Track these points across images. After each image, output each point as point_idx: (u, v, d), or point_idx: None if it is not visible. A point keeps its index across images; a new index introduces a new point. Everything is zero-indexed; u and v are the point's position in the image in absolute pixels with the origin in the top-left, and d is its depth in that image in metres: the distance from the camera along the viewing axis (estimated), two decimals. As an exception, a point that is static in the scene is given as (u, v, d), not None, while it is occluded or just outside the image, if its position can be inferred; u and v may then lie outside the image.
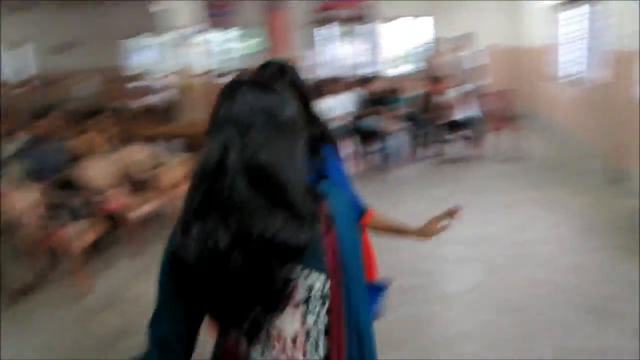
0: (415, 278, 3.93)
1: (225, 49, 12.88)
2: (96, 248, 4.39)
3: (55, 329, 3.53)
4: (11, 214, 3.91)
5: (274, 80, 1.19)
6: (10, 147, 5.20)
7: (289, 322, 1.08)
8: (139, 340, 1.14)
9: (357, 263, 1.15)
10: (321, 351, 1.11)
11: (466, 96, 7.68)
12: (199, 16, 7.40)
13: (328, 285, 1.09)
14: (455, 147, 7.62)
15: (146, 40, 12.71)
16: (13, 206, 3.94)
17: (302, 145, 1.10)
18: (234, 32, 12.71)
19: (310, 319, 1.09)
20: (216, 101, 1.08)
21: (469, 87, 8.09)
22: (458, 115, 7.40)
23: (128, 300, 3.83)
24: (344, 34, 12.30)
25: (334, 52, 12.35)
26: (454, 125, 7.46)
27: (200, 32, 8.15)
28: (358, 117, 7.44)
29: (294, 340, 1.09)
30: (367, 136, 7.45)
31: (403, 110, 7.60)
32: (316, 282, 1.07)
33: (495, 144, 7.47)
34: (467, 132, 7.44)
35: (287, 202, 1.00)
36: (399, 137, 7.43)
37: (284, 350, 1.09)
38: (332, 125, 7.13)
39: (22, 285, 3.97)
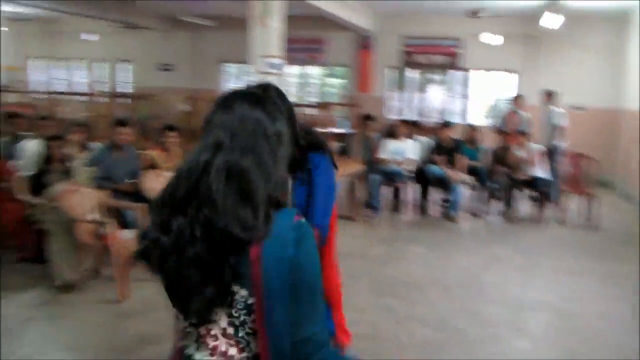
0: (443, 332, 3.76)
1: (311, 84, 13.28)
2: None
3: (86, 328, 3.71)
4: (71, 213, 4.20)
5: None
6: (88, 154, 5.64)
7: (218, 321, 1.15)
8: (159, 350, 1.25)
9: (284, 290, 1.14)
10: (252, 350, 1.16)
11: (542, 155, 7.37)
12: (287, 49, 7.70)
13: (252, 298, 1.13)
14: (523, 206, 7.28)
15: (237, 67, 13.40)
16: (74, 205, 4.24)
17: (283, 158, 1.18)
18: (321, 68, 13.09)
19: (235, 322, 1.14)
20: (212, 108, 1.20)
21: (547, 146, 7.76)
22: (531, 173, 7.10)
23: (159, 310, 3.95)
24: (428, 80, 12.30)
25: (417, 96, 12.35)
26: (525, 184, 7.15)
27: (287, 64, 8.47)
28: (426, 163, 7.35)
29: (224, 337, 1.15)
30: (433, 183, 7.33)
31: (474, 161, 7.41)
32: (241, 290, 1.13)
33: (567, 208, 7.06)
34: (538, 192, 7.10)
35: (253, 204, 1.10)
36: (465, 189, 7.24)
37: (214, 346, 1.16)
38: (399, 168, 7.11)
39: (68, 282, 4.22)
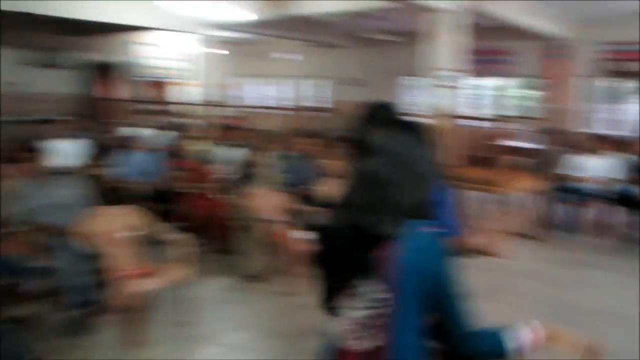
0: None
1: (497, 96, 12.80)
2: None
3: (264, 314, 4.27)
4: (258, 213, 4.81)
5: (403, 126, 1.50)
6: (278, 161, 6.34)
7: (351, 311, 1.40)
8: (320, 341, 1.58)
9: (408, 291, 1.30)
10: (374, 341, 1.35)
11: None
12: (471, 61, 7.64)
13: (380, 294, 1.32)
14: None
15: (415, 80, 13.52)
16: (261, 206, 4.85)
17: (426, 178, 1.39)
18: (508, 80, 12.55)
19: (362, 313, 1.35)
20: (365, 131, 1.49)
21: None
22: None
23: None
24: (630, 90, 10.95)
25: (615, 108, 11.09)
26: None
27: (472, 77, 8.38)
28: (624, 182, 6.63)
29: (354, 325, 1.37)
30: (630, 204, 6.56)
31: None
32: (365, 285, 1.34)
33: None
34: None
35: (386, 210, 1.34)
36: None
37: (349, 329, 1.40)
38: (592, 187, 6.52)
39: (253, 273, 4.84)
